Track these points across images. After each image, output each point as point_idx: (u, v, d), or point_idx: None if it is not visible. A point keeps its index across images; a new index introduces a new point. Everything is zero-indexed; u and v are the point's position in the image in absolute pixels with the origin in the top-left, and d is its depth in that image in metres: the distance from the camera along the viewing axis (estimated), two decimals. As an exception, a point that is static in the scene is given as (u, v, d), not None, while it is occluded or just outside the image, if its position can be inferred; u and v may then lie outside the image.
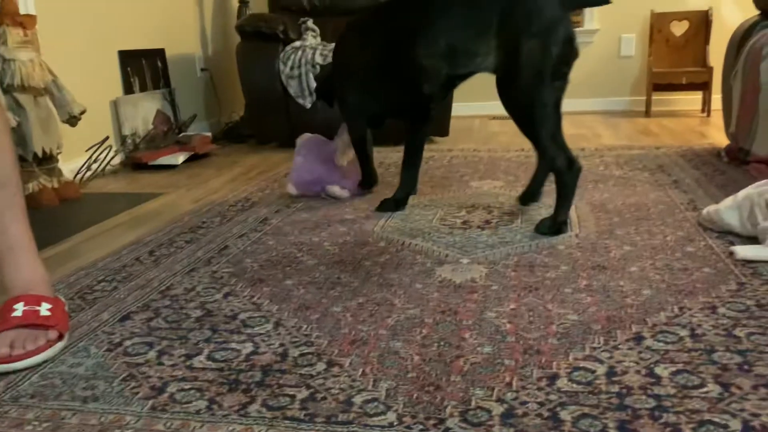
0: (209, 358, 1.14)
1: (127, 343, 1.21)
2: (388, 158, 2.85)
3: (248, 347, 1.17)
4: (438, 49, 1.73)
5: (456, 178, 2.50)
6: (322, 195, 2.26)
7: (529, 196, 2.06)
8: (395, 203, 2.06)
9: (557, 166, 1.71)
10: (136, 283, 1.52)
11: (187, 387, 1.04)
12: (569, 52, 1.65)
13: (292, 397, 0.99)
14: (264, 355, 1.13)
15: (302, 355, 1.12)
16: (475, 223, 1.89)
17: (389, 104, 2.00)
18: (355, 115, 2.10)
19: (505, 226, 1.84)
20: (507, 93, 1.71)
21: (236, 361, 1.12)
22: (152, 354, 1.16)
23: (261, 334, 1.22)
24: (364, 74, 1.97)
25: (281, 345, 1.17)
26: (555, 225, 1.74)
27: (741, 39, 2.68)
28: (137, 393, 1.03)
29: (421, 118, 2.03)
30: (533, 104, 1.66)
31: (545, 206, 2.01)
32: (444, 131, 3.40)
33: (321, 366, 1.08)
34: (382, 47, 1.88)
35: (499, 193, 2.24)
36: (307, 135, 2.36)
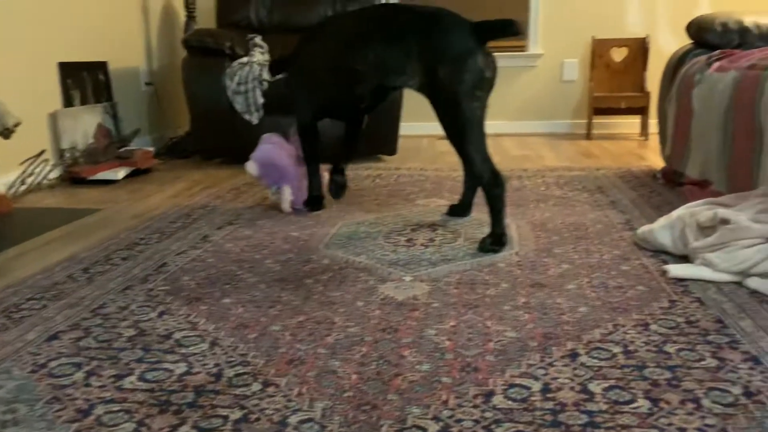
0: (140, 378, 1.10)
1: (53, 364, 1.16)
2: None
3: (181, 367, 1.13)
4: (370, 59, 1.96)
5: (402, 197, 2.51)
6: (271, 190, 2.33)
7: (459, 209, 2.20)
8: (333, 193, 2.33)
9: (484, 182, 1.84)
10: (67, 301, 1.47)
11: (115, 409, 1.00)
12: (481, 80, 1.82)
13: (225, 418, 0.97)
14: (197, 375, 1.10)
15: (237, 375, 1.10)
16: (419, 240, 1.90)
17: (330, 99, 2.20)
18: (302, 103, 2.26)
19: (448, 244, 1.85)
20: (436, 113, 1.89)
21: (168, 382, 1.08)
22: (79, 375, 1.11)
23: (195, 353, 1.18)
24: (314, 69, 2.18)
25: (216, 365, 1.14)
26: (495, 238, 1.83)
27: (675, 66, 2.79)
28: (61, 416, 0.98)
29: (355, 121, 2.31)
30: (455, 123, 1.84)
31: (487, 224, 2.04)
32: (392, 150, 3.42)
33: (256, 386, 1.06)
34: (331, 48, 2.11)
35: (444, 210, 2.25)
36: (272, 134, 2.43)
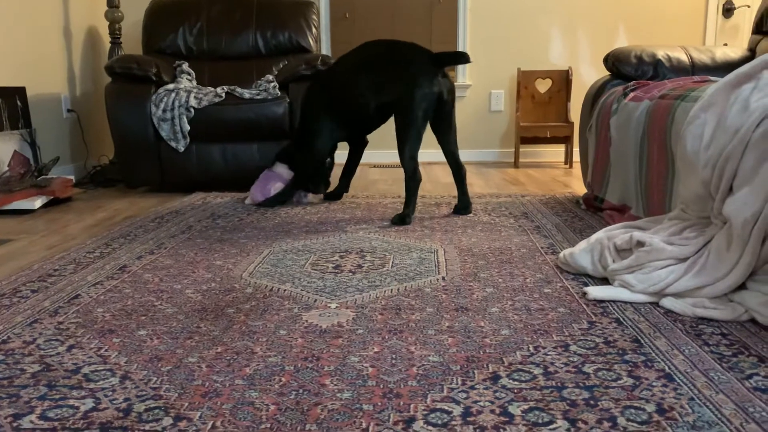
0: (41, 417, 1.03)
1: (-55, 404, 1.07)
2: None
3: (88, 403, 1.07)
4: (366, 84, 2.60)
5: (332, 224, 2.49)
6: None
7: (461, 208, 2.67)
8: (334, 196, 3.03)
9: (406, 174, 2.52)
10: (-33, 337, 1.37)
11: (10, 451, 0.93)
12: (428, 95, 2.45)
13: (131, 456, 0.91)
14: (105, 411, 1.04)
15: (148, 409, 1.04)
16: (347, 267, 1.88)
17: (346, 120, 2.76)
18: (324, 134, 2.78)
19: (376, 270, 1.84)
20: (395, 119, 2.54)
21: (72, 420, 1.02)
22: (-27, 416, 1.03)
23: (105, 388, 1.12)
24: (329, 108, 2.75)
25: (126, 400, 1.08)
26: (401, 217, 2.49)
27: (594, 96, 2.90)
28: (-52, 461, 0.91)
29: (359, 142, 3.02)
30: (401, 126, 2.50)
31: (415, 249, 2.04)
32: (323, 178, 3.40)
33: (167, 421, 1.01)
34: (341, 82, 2.70)
35: (373, 237, 2.25)
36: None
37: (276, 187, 2.89)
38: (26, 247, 2.22)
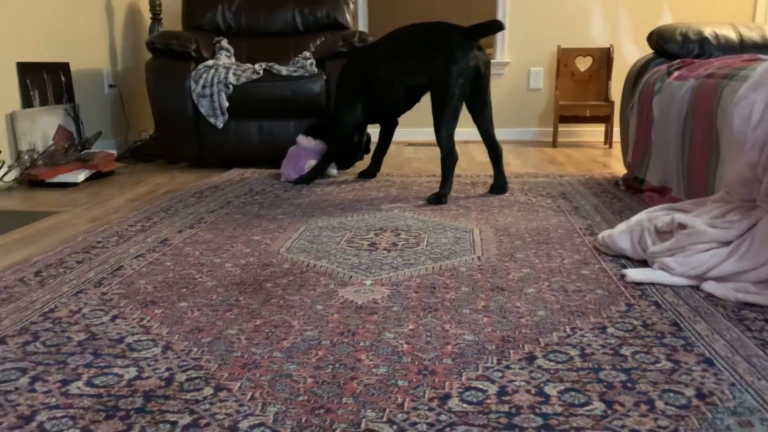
0: (88, 383, 1.06)
1: (-3, 369, 1.11)
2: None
3: (132, 372, 1.10)
4: (395, 68, 2.61)
5: (367, 202, 2.50)
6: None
7: (498, 188, 2.66)
8: (367, 174, 3.06)
9: (442, 153, 2.50)
10: (17, 305, 1.42)
11: (59, 415, 0.97)
12: (464, 70, 2.42)
13: (174, 423, 0.94)
14: (148, 379, 1.07)
15: (189, 379, 1.07)
16: (382, 245, 1.89)
17: (374, 104, 2.80)
18: (350, 112, 2.82)
19: (410, 249, 1.84)
20: (431, 99, 2.51)
21: (117, 387, 1.05)
22: (24, 380, 1.07)
23: (147, 358, 1.15)
24: (361, 83, 2.77)
25: (168, 369, 1.11)
26: (438, 196, 2.47)
27: (637, 75, 2.84)
28: (2, 423, 0.95)
29: (390, 124, 3.04)
30: (437, 105, 2.47)
31: (450, 228, 2.04)
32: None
33: (208, 390, 1.03)
34: (369, 67, 2.73)
35: (408, 216, 2.25)
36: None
37: (309, 164, 2.91)
38: (71, 219, 2.28)
